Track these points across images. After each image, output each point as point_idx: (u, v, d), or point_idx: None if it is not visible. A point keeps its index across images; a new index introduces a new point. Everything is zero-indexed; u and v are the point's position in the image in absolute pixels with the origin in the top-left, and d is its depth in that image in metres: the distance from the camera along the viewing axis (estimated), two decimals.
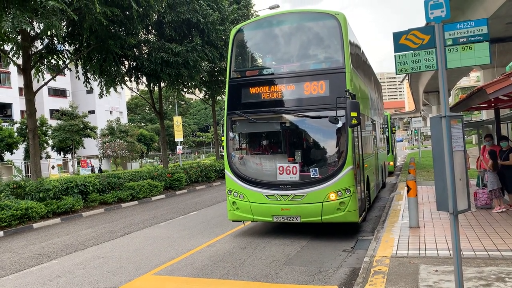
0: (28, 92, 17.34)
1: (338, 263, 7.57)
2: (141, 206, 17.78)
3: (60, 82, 53.81)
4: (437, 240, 7.92)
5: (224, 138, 10.02)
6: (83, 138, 47.07)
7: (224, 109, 10.40)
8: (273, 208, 9.23)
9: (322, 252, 8.35)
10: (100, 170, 43.81)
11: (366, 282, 5.94)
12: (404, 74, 65.15)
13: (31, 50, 18.09)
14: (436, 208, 5.08)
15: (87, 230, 12.51)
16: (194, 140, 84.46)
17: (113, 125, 52.99)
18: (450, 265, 6.30)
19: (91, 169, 44.57)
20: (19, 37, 16.52)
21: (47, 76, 20.16)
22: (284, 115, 9.62)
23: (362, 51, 12.87)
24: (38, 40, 18.35)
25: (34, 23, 16.34)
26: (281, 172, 9.23)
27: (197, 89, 28.70)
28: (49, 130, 44.29)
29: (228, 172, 9.86)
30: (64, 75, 52.53)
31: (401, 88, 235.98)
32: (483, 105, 13.06)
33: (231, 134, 10.08)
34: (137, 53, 22.00)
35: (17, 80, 48.82)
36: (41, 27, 15.71)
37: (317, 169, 9.13)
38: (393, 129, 26.62)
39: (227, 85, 10.12)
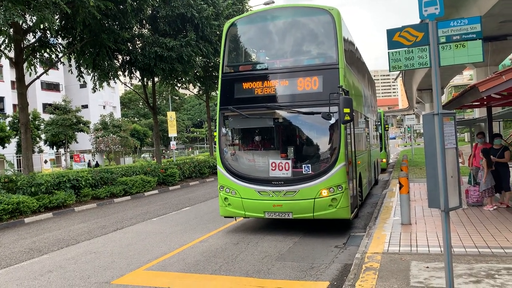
0: (20, 86, 17.19)
1: (330, 259, 7.59)
2: (133, 201, 17.72)
3: (54, 76, 53.39)
4: (429, 237, 7.96)
5: (216, 134, 9.95)
6: (76, 133, 46.83)
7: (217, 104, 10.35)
8: (265, 204, 9.19)
9: (314, 248, 8.37)
10: (97, 165, 43.63)
11: (357, 278, 5.96)
12: (398, 72, 65.35)
13: (24, 43, 17.91)
14: (428, 205, 5.10)
15: (79, 225, 12.46)
16: (188, 136, 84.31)
17: (106, 120, 52.73)
18: (441, 262, 6.34)
19: (88, 163, 44.34)
20: (11, 30, 16.34)
21: (40, 70, 19.99)
22: (277, 111, 9.53)
23: (356, 48, 12.82)
24: (31, 33, 18.15)
25: (27, 16, 16.17)
26: (273, 168, 9.20)
27: (191, 84, 28.60)
28: (42, 124, 44.02)
29: (220, 168, 9.80)
30: (58, 69, 52.12)
31: (395, 85, 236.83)
32: (475, 103, 13.14)
33: (223, 130, 10.01)
34: (130, 48, 21.87)
35: (9, 74, 48.32)
36: (34, 20, 15.56)
37: (310, 165, 9.12)
38: (386, 126, 26.68)
39: (219, 80, 10.04)
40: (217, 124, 9.95)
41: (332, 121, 8.88)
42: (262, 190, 9.19)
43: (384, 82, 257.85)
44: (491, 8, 20.68)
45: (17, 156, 38.65)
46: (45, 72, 18.87)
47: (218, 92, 10.09)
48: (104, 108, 62.58)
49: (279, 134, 10.15)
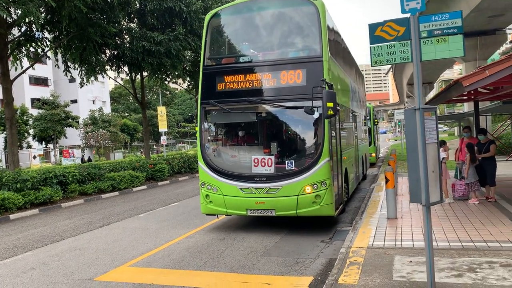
0: (5, 81, 16.94)
1: (315, 254, 7.60)
2: (122, 197, 17.61)
3: (42, 70, 52.82)
4: (414, 231, 8.00)
5: (197, 129, 9.69)
6: (65, 128, 46.38)
7: None
8: (247, 201, 8.98)
9: (300, 243, 8.37)
10: (90, 160, 43.28)
11: (341, 273, 5.97)
12: (390, 66, 65.37)
13: (8, 38, 17.62)
14: (409, 200, 5.10)
15: (65, 221, 12.35)
16: (179, 131, 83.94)
17: (95, 115, 52.31)
18: (424, 256, 6.36)
19: (81, 158, 43.92)
20: None
21: (26, 65, 19.72)
22: (259, 105, 9.28)
23: (343, 40, 12.59)
24: (16, 27, 17.88)
25: (11, 9, 15.91)
26: (256, 164, 9.00)
27: (180, 79, 28.43)
28: (30, 119, 43.52)
29: (201, 164, 9.54)
30: (46, 63, 51.58)
31: (386, 80, 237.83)
32: (463, 98, 13.22)
33: (205, 125, 9.74)
34: (118, 42, 21.65)
35: None
36: (18, 14, 15.31)
37: (293, 161, 8.91)
38: (376, 121, 26.81)
39: (200, 73, 9.74)
40: (198, 119, 9.68)
41: (316, 115, 8.68)
42: (244, 187, 8.95)
43: (375, 77, 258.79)
44: (480, 3, 20.78)
45: (4, 152, 38.20)
46: (31, 66, 18.63)
47: (199, 85, 9.78)
48: (93, 103, 62.09)
49: (262, 129, 9.91)
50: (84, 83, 22.08)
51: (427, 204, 4.79)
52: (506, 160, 19.53)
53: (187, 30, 22.18)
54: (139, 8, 22.29)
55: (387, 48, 5.08)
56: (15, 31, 19.16)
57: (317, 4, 9.06)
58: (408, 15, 4.93)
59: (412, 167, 4.84)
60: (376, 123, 26.73)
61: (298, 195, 8.67)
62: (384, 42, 5.09)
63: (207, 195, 9.45)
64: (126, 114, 73.56)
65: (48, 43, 19.86)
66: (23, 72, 18.45)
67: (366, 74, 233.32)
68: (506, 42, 26.84)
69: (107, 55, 22.88)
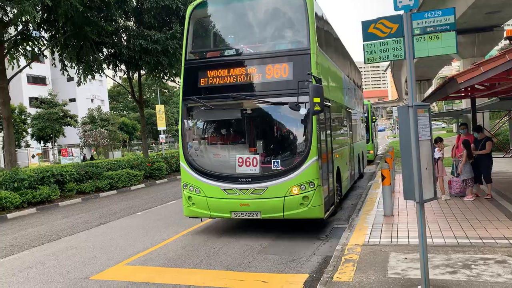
0: (2, 80, 16.87)
1: (311, 252, 7.61)
2: (119, 195, 17.62)
3: (40, 69, 52.79)
4: (410, 228, 8.00)
5: (179, 127, 9.25)
6: (63, 127, 46.30)
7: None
8: (232, 203, 8.51)
9: (297, 240, 8.38)
10: (92, 158, 43.22)
11: (336, 270, 5.98)
12: (388, 63, 65.27)
13: (4, 37, 17.57)
14: (403, 196, 5.11)
15: (62, 220, 12.35)
16: (178, 129, 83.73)
17: (94, 114, 52.25)
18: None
19: (83, 157, 43.83)
20: None
21: (23, 63, 19.65)
22: (243, 101, 8.79)
23: (334, 31, 12.04)
24: (12, 26, 17.81)
25: (7, 8, 15.86)
26: (240, 164, 8.55)
27: (178, 77, 28.37)
28: (28, 118, 43.46)
29: (183, 164, 9.06)
30: (44, 62, 51.49)
31: (384, 77, 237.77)
32: (460, 94, 13.21)
33: (187, 122, 9.28)
34: (115, 40, 21.58)
35: None
36: (15, 13, 15.26)
37: (279, 160, 8.45)
38: (374, 118, 26.79)
39: (182, 68, 9.27)
40: (180, 116, 9.22)
41: (303, 112, 8.21)
42: (228, 188, 8.50)
43: (374, 74, 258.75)
44: None
45: (3, 151, 38.14)
46: (27, 65, 18.54)
47: (181, 81, 9.31)
48: (92, 101, 62.00)
49: (246, 127, 9.38)
50: (81, 81, 22.02)
51: (420, 201, 4.79)
52: (503, 157, 19.54)
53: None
54: (136, 6, 22.20)
55: (380, 45, 5.08)
56: (12, 30, 19.08)
57: None
58: (401, 12, 4.93)
59: (406, 164, 4.85)
60: (374, 120, 26.73)
61: (284, 197, 8.21)
62: (377, 39, 5.09)
63: (189, 197, 8.97)
64: (125, 112, 73.44)
65: (45, 42, 19.79)
66: (20, 71, 18.37)
67: (364, 71, 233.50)
68: (503, 38, 26.71)
69: (104, 53, 22.79)
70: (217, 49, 9.67)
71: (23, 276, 7.15)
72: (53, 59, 21.55)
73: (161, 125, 32.66)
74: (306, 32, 8.49)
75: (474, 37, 27.32)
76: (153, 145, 61.84)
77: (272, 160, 8.49)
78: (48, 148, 49.59)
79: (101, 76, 23.99)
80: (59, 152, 46.34)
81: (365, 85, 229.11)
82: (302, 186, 8.17)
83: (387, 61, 5.23)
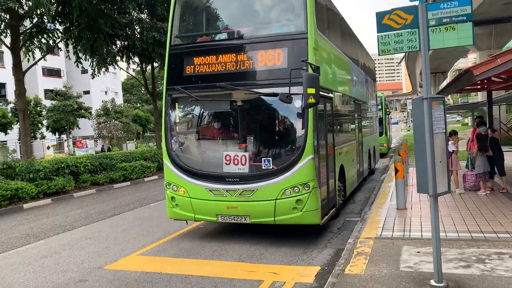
0: (17, 72, 17.13)
1: (323, 244, 7.61)
2: (133, 187, 17.79)
3: (55, 62, 53.20)
4: (423, 222, 7.95)
5: (162, 120, 8.39)
6: (77, 119, 46.79)
7: None
8: (218, 205, 7.70)
9: (309, 233, 8.35)
10: (109, 149, 43.66)
11: (348, 263, 5.97)
12: (402, 55, 64.39)
13: (20, 29, 17.78)
14: (416, 190, 5.07)
15: (77, 210, 12.52)
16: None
17: (108, 106, 52.68)
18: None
19: (102, 148, 44.21)
20: (7, 15, 16.21)
21: (39, 56, 19.89)
22: (232, 92, 7.83)
23: (340, 14, 10.99)
24: (28, 19, 18.01)
25: (23, 1, 16.02)
26: (227, 162, 7.69)
27: None
28: (44, 110, 44.01)
29: (166, 161, 8.24)
30: (58, 55, 51.93)
31: (399, 69, 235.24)
32: (477, 87, 13.03)
33: (170, 115, 8.39)
34: (129, 32, 21.68)
35: (10, 60, 48.07)
36: (30, 5, 15.42)
37: (270, 159, 7.57)
38: (388, 110, 26.56)
39: (167, 54, 8.43)
40: (164, 108, 8.38)
41: (298, 105, 7.34)
42: (214, 189, 7.67)
43: (388, 66, 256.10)
44: None
45: (19, 142, 38.69)
46: (42, 58, 18.80)
47: (165, 68, 8.51)
48: (106, 94, 62.42)
49: (235, 121, 8.33)
50: (95, 74, 22.21)
51: (434, 194, 4.75)
52: None
53: None
54: None
55: (394, 36, 5.02)
56: (27, 23, 19.30)
57: None
58: (416, 2, 4.86)
59: (419, 157, 4.80)
60: (388, 113, 26.50)
61: (276, 199, 7.34)
62: (391, 31, 5.03)
63: (172, 198, 8.18)
64: (139, 105, 73.92)
65: (60, 34, 19.98)
66: (35, 63, 18.61)
67: (378, 63, 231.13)
68: None
69: (118, 46, 22.94)
70: (204, 33, 8.85)
71: (39, 265, 7.28)
72: (68, 51, 21.76)
73: None
74: (302, 13, 7.62)
75: (491, 29, 26.85)
76: None
77: (263, 159, 7.64)
78: (63, 140, 50.20)
79: (115, 68, 24.18)
80: (74, 143, 46.92)
81: (379, 77, 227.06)
82: (296, 188, 7.30)
83: (401, 52, 5.16)
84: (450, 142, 10.12)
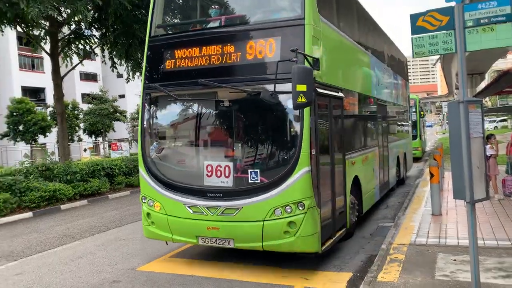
0: (56, 77, 17.71)
1: (356, 250, 7.50)
2: None
3: (91, 66, 54.83)
4: (459, 228, 7.71)
5: (139, 122, 7.39)
6: (113, 122, 47.99)
7: None
8: (197, 225, 6.51)
9: (341, 239, 8.23)
10: None
11: (380, 270, 5.85)
12: (438, 56, 62.98)
13: (59, 36, 18.40)
14: (453, 196, 4.91)
15: (111, 212, 12.82)
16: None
17: None
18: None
19: None
20: (47, 23, 16.82)
21: (76, 61, 20.53)
22: (216, 90, 6.75)
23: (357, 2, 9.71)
24: (66, 26, 18.62)
25: (62, 8, 16.58)
26: (209, 174, 6.53)
27: None
28: (81, 114, 45.40)
29: (141, 171, 7.17)
30: (95, 60, 53.45)
31: (433, 71, 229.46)
32: None
33: (147, 117, 7.35)
34: None
35: (49, 65, 49.73)
36: (68, 13, 15.95)
37: (258, 171, 6.27)
38: (422, 113, 25.93)
39: (146, 46, 7.35)
40: (140, 109, 7.43)
41: (291, 105, 5.91)
42: (193, 205, 6.50)
43: (422, 68, 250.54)
44: None
45: (57, 145, 40.01)
46: (80, 63, 19.37)
47: (144, 62, 7.50)
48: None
49: (221, 124, 7.28)
50: (130, 78, 22.68)
51: (471, 201, 4.59)
52: None
53: None
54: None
55: (429, 38, 4.89)
56: (65, 30, 19.95)
57: None
58: (452, 3, 4.72)
59: (455, 162, 4.65)
60: (422, 115, 25.88)
61: (264, 221, 6.08)
62: (426, 33, 4.90)
63: (148, 214, 7.10)
64: None
65: (96, 40, 20.55)
66: (72, 68, 19.21)
67: (412, 65, 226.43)
68: None
69: None
70: (187, 22, 7.91)
71: (75, 265, 7.48)
72: (103, 56, 22.34)
73: None
74: None
75: None
76: None
77: (250, 170, 6.34)
78: (99, 142, 51.57)
79: None
80: (109, 146, 48.12)
81: (413, 79, 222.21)
82: (288, 207, 6.00)
83: (436, 55, 5.03)
84: (487, 146, 9.78)
